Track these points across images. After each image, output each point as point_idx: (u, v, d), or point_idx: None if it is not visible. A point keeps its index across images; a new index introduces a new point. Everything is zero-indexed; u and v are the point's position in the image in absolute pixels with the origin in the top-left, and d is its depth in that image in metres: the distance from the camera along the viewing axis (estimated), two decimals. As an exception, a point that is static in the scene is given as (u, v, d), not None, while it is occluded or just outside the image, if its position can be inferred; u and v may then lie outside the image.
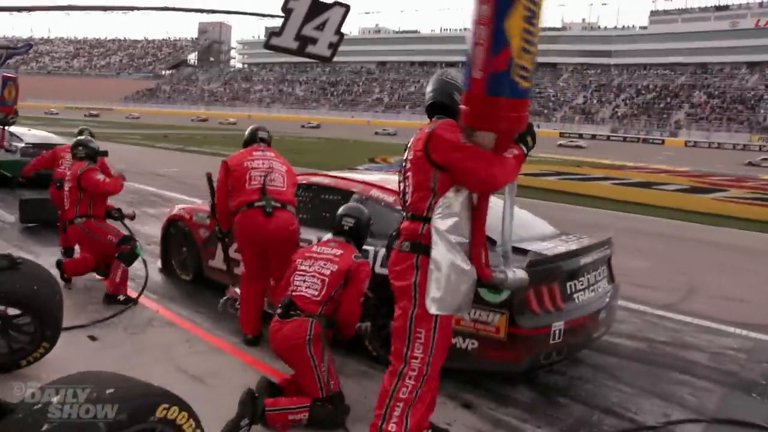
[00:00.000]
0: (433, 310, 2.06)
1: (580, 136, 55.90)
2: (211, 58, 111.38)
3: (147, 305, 4.28)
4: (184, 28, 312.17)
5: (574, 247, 3.36)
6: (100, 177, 4.43)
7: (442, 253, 2.05)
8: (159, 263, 5.23)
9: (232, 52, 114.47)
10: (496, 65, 1.77)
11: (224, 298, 3.82)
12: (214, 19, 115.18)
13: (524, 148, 2.17)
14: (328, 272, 2.79)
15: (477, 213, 2.17)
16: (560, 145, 42.16)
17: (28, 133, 9.96)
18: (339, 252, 2.88)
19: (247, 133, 3.98)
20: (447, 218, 2.07)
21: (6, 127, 7.88)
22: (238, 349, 3.57)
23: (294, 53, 2.86)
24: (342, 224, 3.02)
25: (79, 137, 4.87)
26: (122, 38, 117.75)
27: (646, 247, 7.50)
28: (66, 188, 4.52)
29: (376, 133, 49.18)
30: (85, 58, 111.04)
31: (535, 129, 2.19)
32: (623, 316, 4.49)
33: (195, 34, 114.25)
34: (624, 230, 8.05)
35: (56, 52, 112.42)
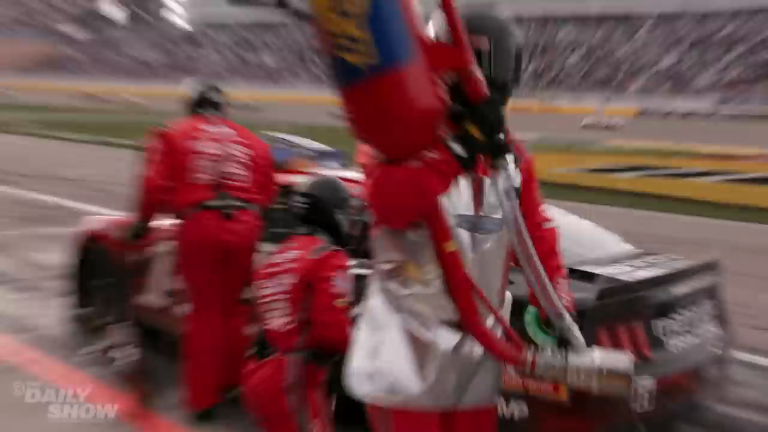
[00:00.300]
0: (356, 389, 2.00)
1: (667, 114, 56.00)
2: (144, 15, 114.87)
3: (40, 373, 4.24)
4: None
5: (663, 271, 3.40)
6: None
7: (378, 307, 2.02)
8: (69, 308, 5.25)
9: (173, 7, 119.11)
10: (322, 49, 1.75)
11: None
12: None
13: (453, 147, 1.81)
14: (290, 287, 2.85)
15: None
16: (585, 126, 43.63)
17: None
18: (296, 254, 2.91)
19: (191, 94, 4.03)
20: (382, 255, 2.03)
21: None
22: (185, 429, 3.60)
23: (271, 5, 2.81)
24: (294, 210, 3.07)
25: None
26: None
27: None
28: None
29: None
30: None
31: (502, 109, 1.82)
32: (745, 376, 4.45)
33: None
34: (741, 249, 8.03)
35: None
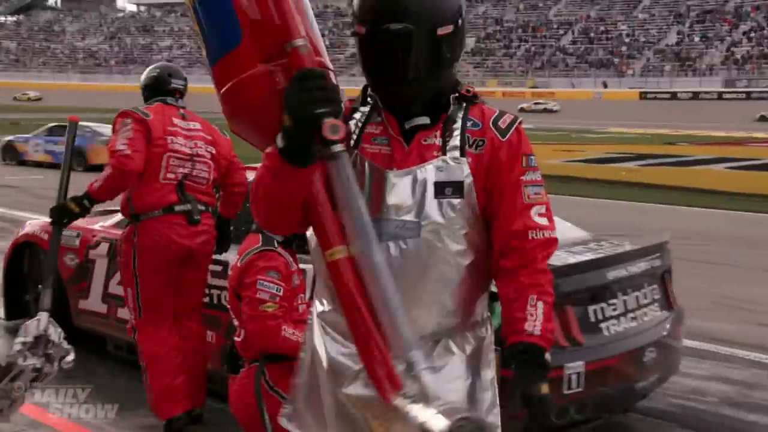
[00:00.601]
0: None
1: (674, 96, 56.56)
2: None
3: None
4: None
5: (601, 255, 3.62)
6: None
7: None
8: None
9: None
10: None
11: None
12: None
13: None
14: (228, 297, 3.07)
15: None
16: (522, 109, 45.06)
17: None
18: (233, 259, 3.08)
19: (149, 77, 4.08)
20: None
21: None
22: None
23: None
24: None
25: None
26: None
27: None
28: None
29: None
30: None
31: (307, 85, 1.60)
32: (758, 378, 4.61)
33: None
34: (745, 240, 8.40)
35: None
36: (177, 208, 3.78)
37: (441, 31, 1.72)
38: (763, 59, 66.83)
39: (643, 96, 62.62)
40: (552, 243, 1.80)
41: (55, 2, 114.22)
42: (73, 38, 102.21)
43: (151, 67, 4.20)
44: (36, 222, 5.64)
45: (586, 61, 75.90)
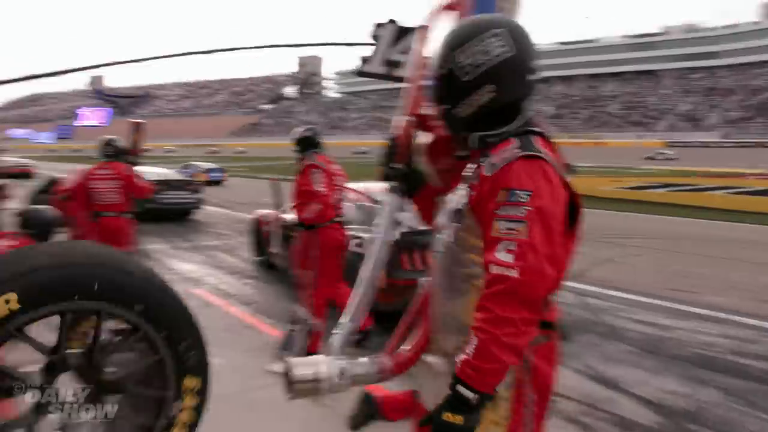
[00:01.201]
0: None
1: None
2: (308, 90, 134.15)
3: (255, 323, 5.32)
4: (283, 64, 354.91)
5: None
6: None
7: None
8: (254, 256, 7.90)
9: (327, 83, 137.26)
10: None
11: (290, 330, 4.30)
12: (311, 52, 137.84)
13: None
14: None
15: None
16: (648, 157, 45.13)
17: (149, 172, 12.13)
18: None
19: (304, 135, 4.46)
20: None
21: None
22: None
23: (382, 78, 3.58)
24: None
25: (108, 137, 5.68)
26: (226, 78, 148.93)
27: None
28: (115, 185, 5.42)
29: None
30: (193, 99, 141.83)
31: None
32: (752, 335, 4.89)
33: (293, 68, 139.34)
34: (742, 242, 9.20)
35: (169, 96, 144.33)
36: (336, 219, 4.41)
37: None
38: (748, 120, 70.28)
39: (668, 145, 62.06)
40: (507, 281, 1.32)
41: (293, 95, 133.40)
42: (301, 116, 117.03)
43: (303, 128, 4.47)
44: (259, 211, 8.08)
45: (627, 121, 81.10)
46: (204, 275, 7.48)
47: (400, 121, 1.76)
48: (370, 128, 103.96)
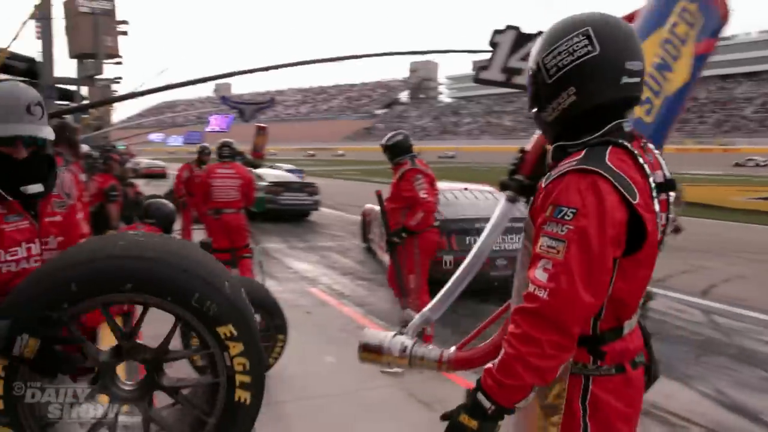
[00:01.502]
0: None
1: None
2: (421, 95, 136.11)
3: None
4: (397, 69, 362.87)
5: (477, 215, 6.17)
6: None
7: None
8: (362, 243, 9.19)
9: (440, 88, 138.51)
10: None
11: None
12: (424, 57, 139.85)
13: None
14: None
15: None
16: (736, 164, 44.10)
17: (269, 173, 13.46)
18: None
19: (397, 140, 4.70)
20: None
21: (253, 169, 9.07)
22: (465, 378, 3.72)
23: (501, 85, 3.65)
24: None
25: (224, 139, 6.15)
26: (341, 83, 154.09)
27: None
28: (235, 184, 5.86)
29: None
30: (310, 104, 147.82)
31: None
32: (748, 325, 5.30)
33: (406, 74, 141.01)
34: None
35: (287, 101, 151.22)
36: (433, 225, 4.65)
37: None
38: None
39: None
40: (536, 300, 1.27)
41: (405, 99, 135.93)
42: (414, 120, 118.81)
43: (393, 133, 4.71)
44: (367, 205, 9.30)
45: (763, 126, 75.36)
46: (319, 275, 7.82)
47: (536, 134, 1.75)
48: (482, 133, 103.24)
